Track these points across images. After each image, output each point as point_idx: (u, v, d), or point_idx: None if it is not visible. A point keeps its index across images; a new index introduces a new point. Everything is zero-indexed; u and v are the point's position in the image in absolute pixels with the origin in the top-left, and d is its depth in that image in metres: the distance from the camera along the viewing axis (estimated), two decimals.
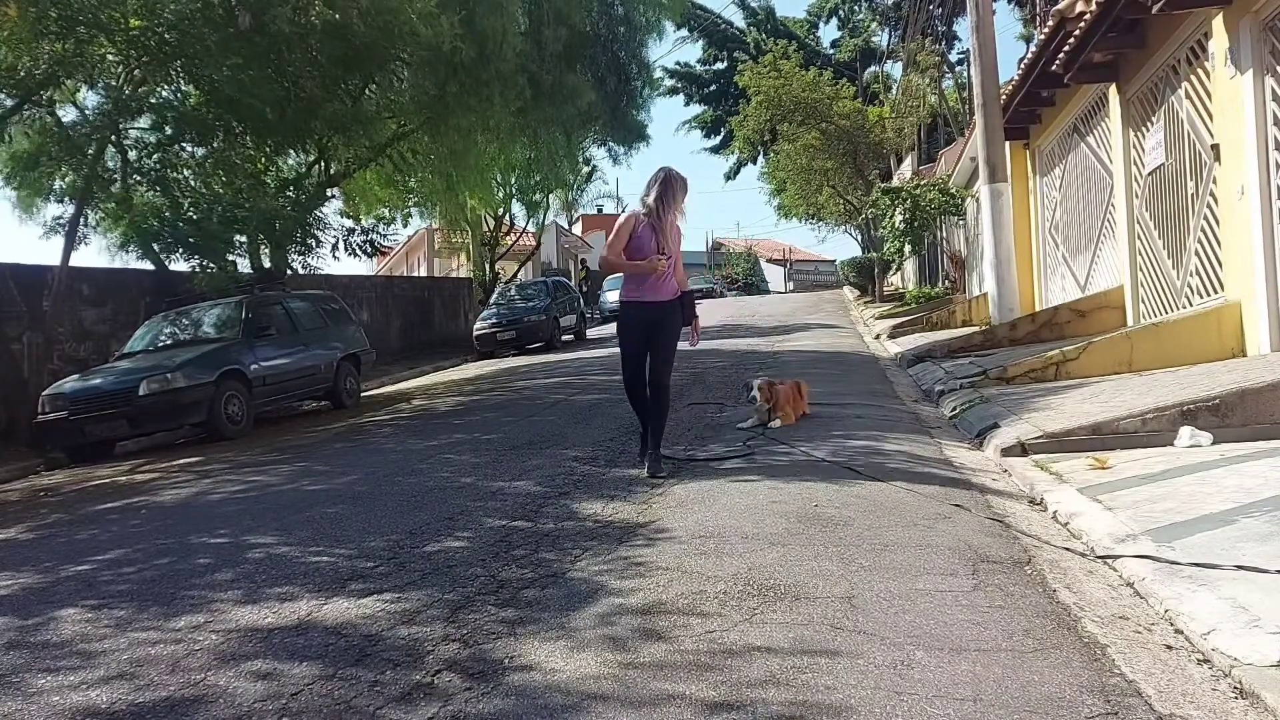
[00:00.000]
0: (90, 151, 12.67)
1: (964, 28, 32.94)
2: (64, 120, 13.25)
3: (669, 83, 49.25)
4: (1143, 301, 9.97)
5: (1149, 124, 9.50)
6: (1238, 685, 2.51)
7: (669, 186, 5.80)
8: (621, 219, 5.86)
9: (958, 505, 4.56)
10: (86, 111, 13.48)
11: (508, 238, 28.34)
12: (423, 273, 36.97)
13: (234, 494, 6.73)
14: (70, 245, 12.91)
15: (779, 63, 30.13)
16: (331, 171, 15.71)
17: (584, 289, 34.25)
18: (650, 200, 5.80)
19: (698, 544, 4.10)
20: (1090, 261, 11.94)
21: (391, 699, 2.72)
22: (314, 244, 14.81)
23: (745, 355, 13.91)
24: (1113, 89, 10.25)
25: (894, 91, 35.43)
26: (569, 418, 8.82)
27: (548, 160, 20.24)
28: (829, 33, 52.64)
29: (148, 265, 13.99)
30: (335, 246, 15.87)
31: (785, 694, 2.57)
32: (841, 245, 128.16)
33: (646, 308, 5.77)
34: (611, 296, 34.23)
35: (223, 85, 11.67)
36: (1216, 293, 8.08)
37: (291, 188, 15.13)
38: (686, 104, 53.05)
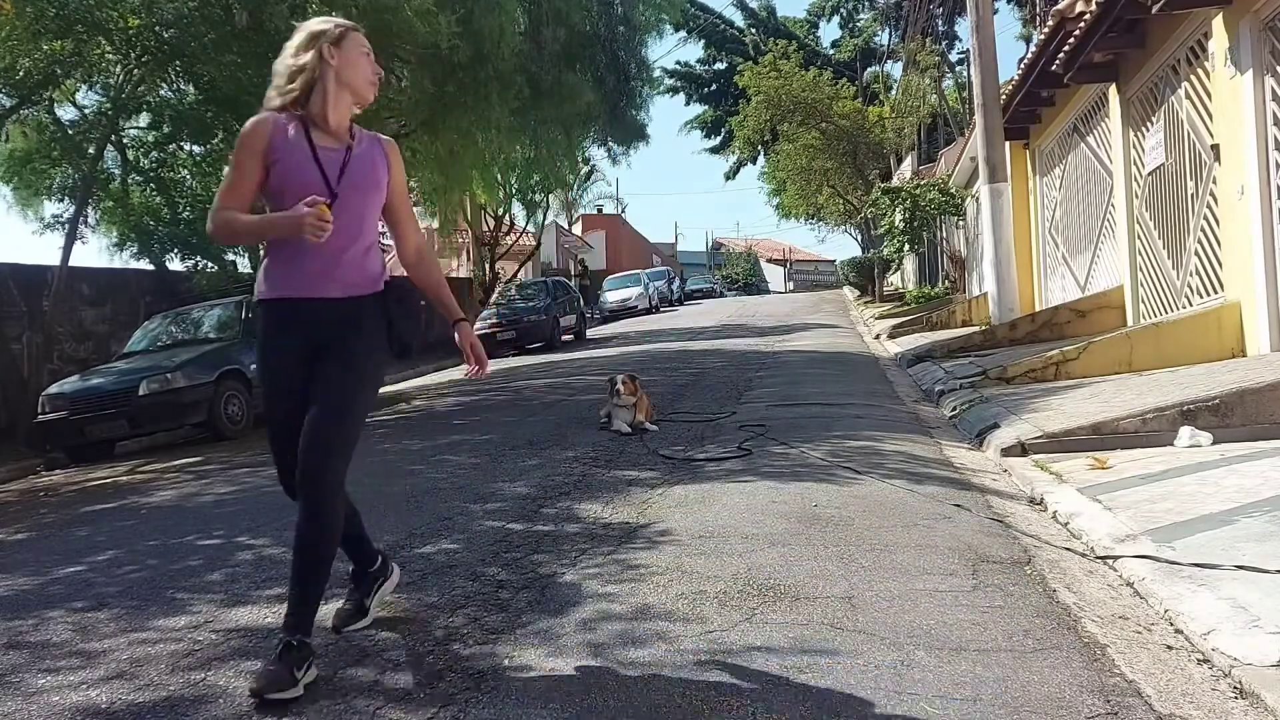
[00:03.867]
0: (90, 151, 12.68)
1: (964, 28, 32.98)
2: (62, 119, 13.25)
3: (669, 82, 49.31)
4: (1143, 301, 9.97)
5: (1149, 124, 9.50)
6: (1238, 685, 2.51)
7: (328, 43, 2.95)
8: (246, 130, 2.94)
9: (958, 505, 4.56)
10: (85, 110, 13.49)
11: (508, 238, 28.34)
12: None
13: (232, 495, 6.73)
14: (70, 245, 12.91)
15: (779, 63, 30.18)
16: None
17: (584, 285, 34.14)
18: (292, 85, 2.94)
19: (697, 544, 4.10)
20: (1090, 261, 11.93)
21: (392, 699, 2.72)
22: None
23: (745, 355, 13.92)
24: (1113, 89, 10.24)
25: (894, 91, 35.44)
26: (568, 418, 8.81)
27: (547, 160, 20.21)
28: (829, 33, 52.87)
29: (147, 265, 13.99)
30: None
31: (785, 694, 2.56)
32: (841, 245, 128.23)
33: (302, 311, 2.97)
34: (612, 296, 34.12)
35: (221, 84, 11.67)
36: (1216, 293, 8.08)
37: None
38: (687, 104, 53.13)
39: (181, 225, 12.89)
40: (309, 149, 2.92)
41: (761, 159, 39.57)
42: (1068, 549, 3.86)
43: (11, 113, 12.05)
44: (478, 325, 21.56)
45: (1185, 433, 5.47)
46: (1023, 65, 12.25)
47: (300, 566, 3.02)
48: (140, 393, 10.14)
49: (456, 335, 3.21)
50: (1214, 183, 7.94)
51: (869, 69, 40.51)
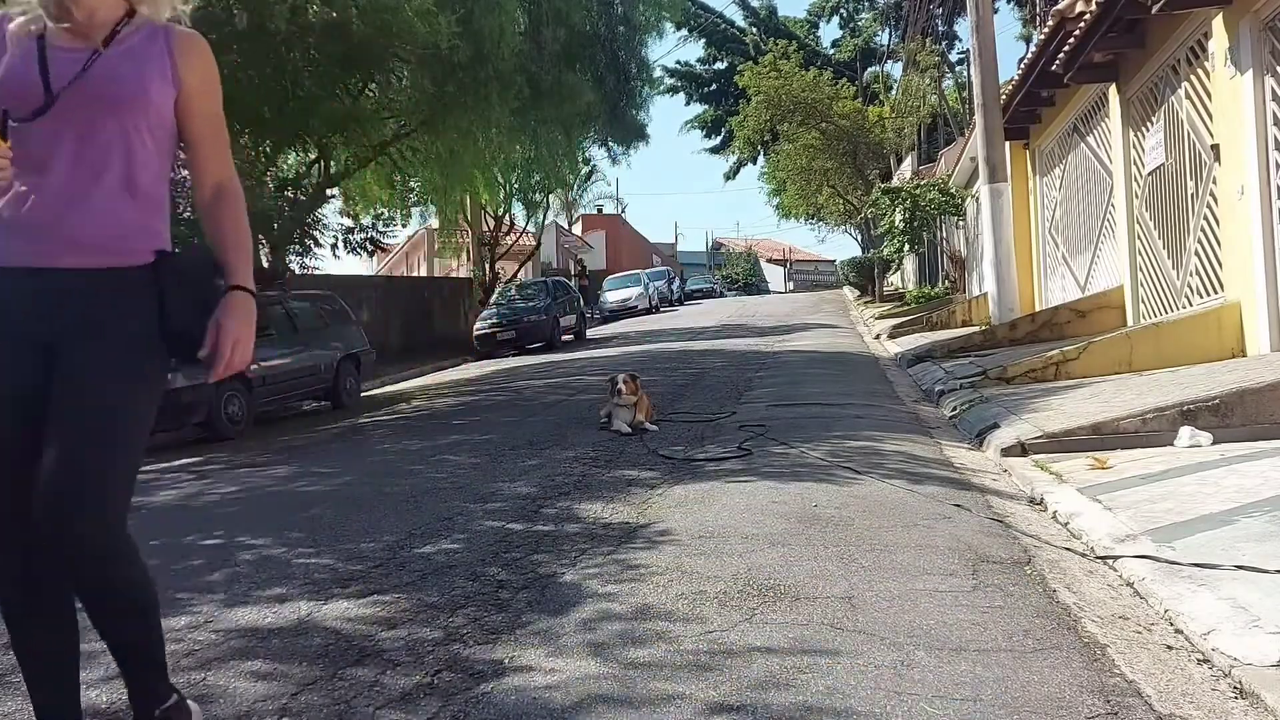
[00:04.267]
0: None
1: (964, 28, 32.94)
2: None
3: (669, 82, 49.27)
4: (1143, 301, 9.97)
5: (1149, 124, 9.50)
6: (1238, 685, 2.51)
7: None
8: None
9: (958, 505, 4.56)
10: None
11: (508, 238, 28.35)
12: (423, 273, 36.96)
13: (232, 494, 6.73)
14: None
15: (779, 63, 30.21)
16: (331, 171, 15.72)
17: (583, 285, 34.16)
18: None
19: (697, 544, 4.10)
20: (1090, 261, 11.94)
21: (392, 699, 2.71)
22: (312, 244, 14.82)
23: (745, 355, 13.92)
24: (1113, 89, 10.25)
25: (894, 91, 35.46)
26: (568, 418, 8.81)
27: (548, 160, 20.23)
28: (829, 33, 52.84)
29: None
30: (335, 246, 15.89)
31: (785, 695, 2.56)
32: (841, 245, 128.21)
33: (21, 287, 2.04)
34: (612, 296, 34.14)
35: (221, 84, 11.64)
36: (1216, 293, 8.08)
37: (290, 187, 15.14)
38: (687, 103, 53.15)
39: (181, 226, 12.89)
40: (35, 46, 2.04)
41: (761, 159, 39.58)
42: (1068, 549, 3.86)
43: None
44: (477, 325, 21.57)
45: (1185, 433, 5.47)
46: (1023, 65, 12.25)
47: (116, 646, 2.17)
48: None
49: (219, 306, 2.11)
50: (1214, 183, 7.94)
51: (869, 69, 40.51)
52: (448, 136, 14.80)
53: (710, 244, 76.64)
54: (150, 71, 2.14)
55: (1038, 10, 20.80)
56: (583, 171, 33.57)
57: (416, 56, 12.84)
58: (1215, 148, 7.77)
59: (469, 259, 28.90)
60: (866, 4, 47.23)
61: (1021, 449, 5.81)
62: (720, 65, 50.43)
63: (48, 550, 2.00)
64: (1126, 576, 3.44)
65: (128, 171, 2.09)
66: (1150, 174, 9.50)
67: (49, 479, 1.94)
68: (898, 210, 22.04)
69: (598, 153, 29.04)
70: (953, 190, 21.54)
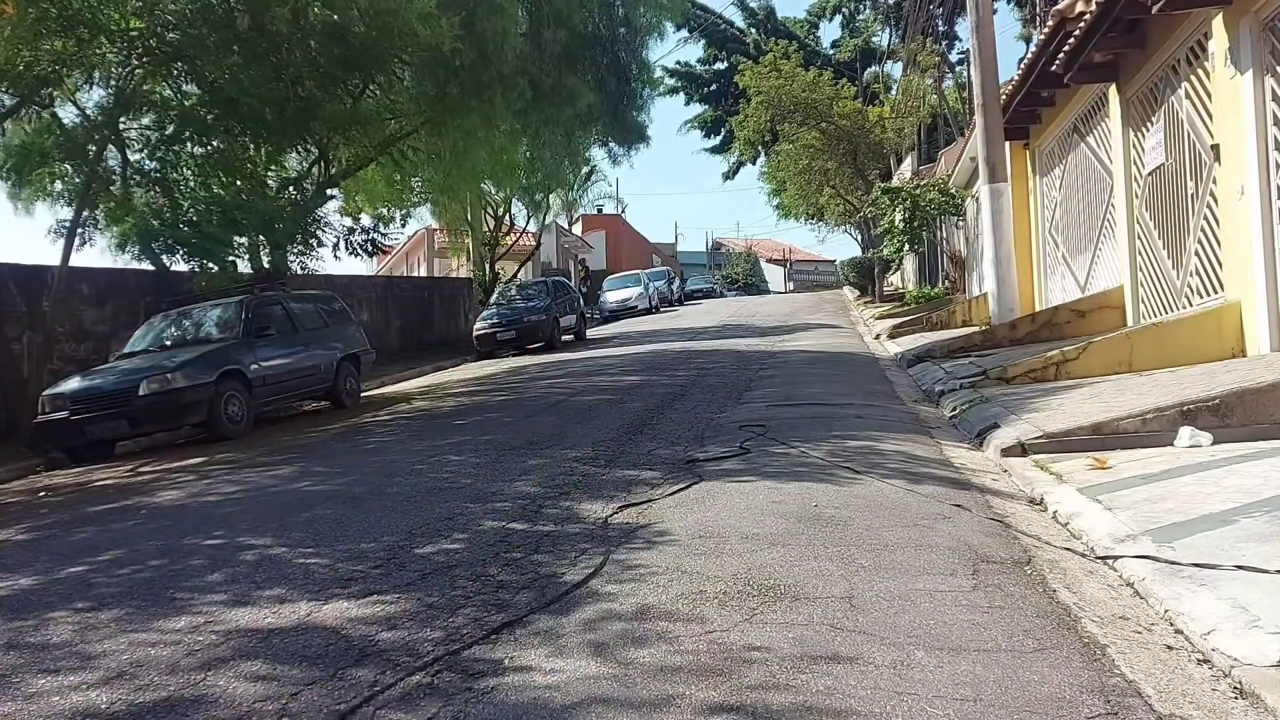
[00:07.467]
0: (90, 151, 12.68)
1: (964, 28, 32.90)
2: (64, 119, 13.25)
3: (669, 82, 49.24)
4: (1143, 302, 9.97)
5: (1149, 124, 9.50)
6: (1238, 685, 2.51)
7: None
8: None
9: (958, 505, 4.56)
10: (87, 110, 13.49)
11: (508, 238, 28.36)
12: (423, 273, 36.99)
13: (233, 495, 6.73)
14: (70, 245, 12.90)
15: (779, 63, 30.21)
16: (332, 171, 15.72)
17: (584, 289, 34.24)
18: None
19: (697, 544, 4.10)
20: (1090, 261, 11.93)
21: (392, 699, 2.72)
22: (314, 245, 14.81)
23: (746, 355, 13.92)
24: (1113, 89, 10.25)
25: (894, 91, 35.44)
26: (569, 418, 8.81)
27: (549, 160, 20.25)
28: (829, 33, 52.82)
29: (148, 265, 13.98)
30: (336, 246, 15.89)
31: (785, 695, 2.57)
32: (841, 245, 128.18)
33: None
34: (612, 296, 34.28)
35: (222, 85, 11.68)
36: (1216, 293, 8.08)
37: (291, 187, 15.14)
38: (687, 104, 53.08)
39: (183, 226, 12.91)
40: None
41: (762, 159, 39.60)
42: (1068, 549, 3.86)
43: (12, 112, 12.06)
44: (477, 325, 21.59)
45: (1185, 433, 5.47)
46: (1023, 65, 12.24)
47: None
48: (140, 393, 10.14)
49: None
50: (1214, 183, 7.94)
51: (869, 69, 40.47)
52: (450, 137, 14.82)
53: (710, 244, 76.64)
54: None
55: (1038, 10, 20.80)
56: (583, 172, 33.59)
57: (419, 59, 12.86)
58: (1215, 148, 7.77)
59: (469, 259, 28.93)
60: (866, 4, 47.21)
61: (1021, 449, 5.81)
62: (720, 65, 50.41)
63: None
64: (1126, 576, 3.44)
65: None
66: (1150, 174, 9.50)
67: None
68: (898, 210, 22.03)
69: (598, 153, 29.06)
70: (953, 190, 21.53)
